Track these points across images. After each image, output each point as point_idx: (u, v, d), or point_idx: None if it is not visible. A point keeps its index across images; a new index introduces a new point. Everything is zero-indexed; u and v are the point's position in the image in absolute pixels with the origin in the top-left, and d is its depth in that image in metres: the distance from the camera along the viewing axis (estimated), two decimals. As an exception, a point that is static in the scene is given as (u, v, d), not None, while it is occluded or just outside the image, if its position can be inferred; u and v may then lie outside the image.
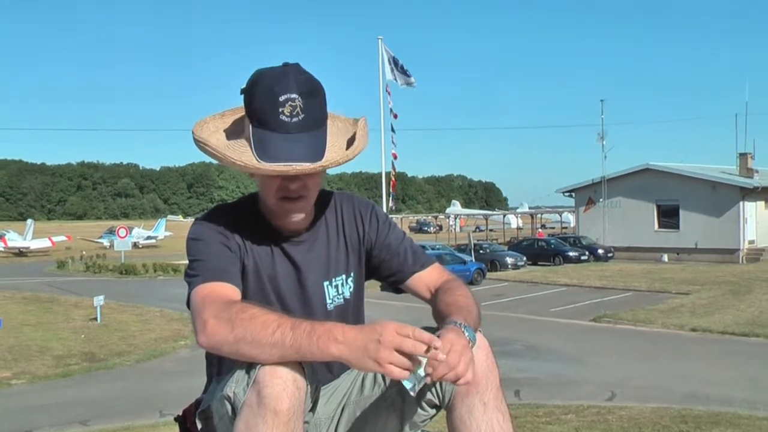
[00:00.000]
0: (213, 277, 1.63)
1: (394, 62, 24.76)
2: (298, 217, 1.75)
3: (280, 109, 1.60)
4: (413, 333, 1.41)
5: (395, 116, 25.67)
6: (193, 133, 1.70)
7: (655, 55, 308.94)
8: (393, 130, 26.00)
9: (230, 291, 1.63)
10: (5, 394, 13.02)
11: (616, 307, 20.80)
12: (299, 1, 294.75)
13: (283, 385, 1.44)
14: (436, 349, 1.41)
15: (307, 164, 1.61)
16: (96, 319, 20.18)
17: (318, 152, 1.63)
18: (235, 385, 1.51)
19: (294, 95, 1.60)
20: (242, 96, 1.69)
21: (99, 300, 20.00)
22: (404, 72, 24.96)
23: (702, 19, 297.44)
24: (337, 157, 1.66)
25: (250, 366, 1.49)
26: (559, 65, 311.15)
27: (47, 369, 14.83)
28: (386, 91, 25.06)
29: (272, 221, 1.78)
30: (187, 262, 1.72)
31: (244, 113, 1.72)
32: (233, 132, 1.74)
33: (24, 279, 33.74)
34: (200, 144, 1.68)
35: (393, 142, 26.21)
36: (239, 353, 1.47)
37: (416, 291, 1.91)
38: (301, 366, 1.48)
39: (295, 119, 1.60)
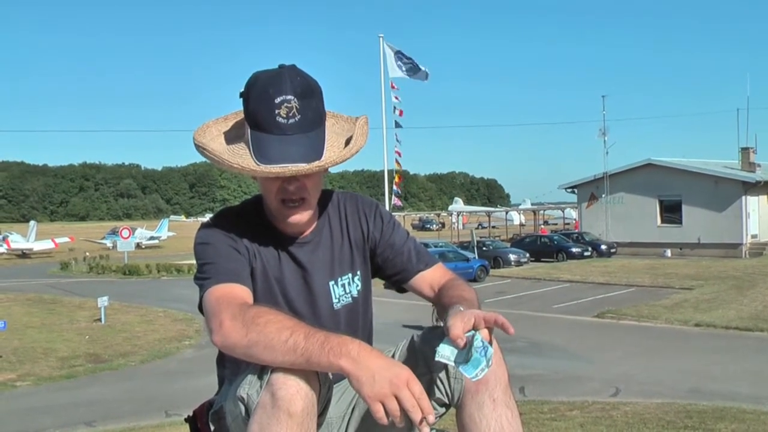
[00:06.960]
0: (225, 279, 1.65)
1: (402, 57, 24.21)
2: (300, 219, 1.75)
3: (276, 111, 1.60)
4: (419, 395, 1.40)
5: (400, 113, 25.21)
6: (194, 137, 1.71)
7: (657, 50, 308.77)
8: (399, 126, 25.43)
9: (243, 292, 1.64)
10: (10, 396, 13.05)
11: (620, 303, 20.78)
12: (301, 4, 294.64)
13: (297, 387, 1.45)
14: (428, 424, 1.40)
15: (304, 165, 1.61)
16: (100, 320, 20.22)
17: (316, 152, 1.64)
18: (249, 386, 1.52)
19: (290, 96, 1.61)
20: (241, 100, 1.70)
21: (103, 301, 20.02)
22: (414, 65, 24.35)
23: (703, 14, 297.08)
24: (334, 156, 1.66)
25: (263, 367, 1.50)
26: (560, 62, 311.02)
27: (52, 370, 14.86)
28: (391, 86, 24.75)
29: (276, 223, 1.79)
30: (193, 261, 1.73)
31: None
32: (235, 136, 1.74)
33: (27, 280, 33.74)
34: (200, 148, 1.69)
35: (397, 139, 25.79)
36: (252, 356, 1.48)
37: (420, 290, 1.91)
38: None
39: (291, 120, 1.61)
